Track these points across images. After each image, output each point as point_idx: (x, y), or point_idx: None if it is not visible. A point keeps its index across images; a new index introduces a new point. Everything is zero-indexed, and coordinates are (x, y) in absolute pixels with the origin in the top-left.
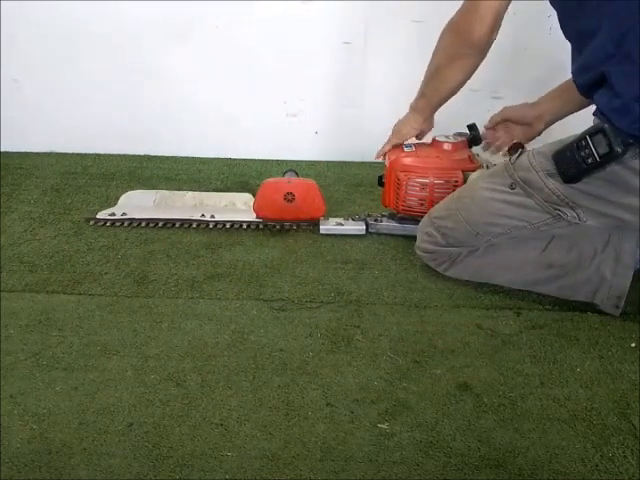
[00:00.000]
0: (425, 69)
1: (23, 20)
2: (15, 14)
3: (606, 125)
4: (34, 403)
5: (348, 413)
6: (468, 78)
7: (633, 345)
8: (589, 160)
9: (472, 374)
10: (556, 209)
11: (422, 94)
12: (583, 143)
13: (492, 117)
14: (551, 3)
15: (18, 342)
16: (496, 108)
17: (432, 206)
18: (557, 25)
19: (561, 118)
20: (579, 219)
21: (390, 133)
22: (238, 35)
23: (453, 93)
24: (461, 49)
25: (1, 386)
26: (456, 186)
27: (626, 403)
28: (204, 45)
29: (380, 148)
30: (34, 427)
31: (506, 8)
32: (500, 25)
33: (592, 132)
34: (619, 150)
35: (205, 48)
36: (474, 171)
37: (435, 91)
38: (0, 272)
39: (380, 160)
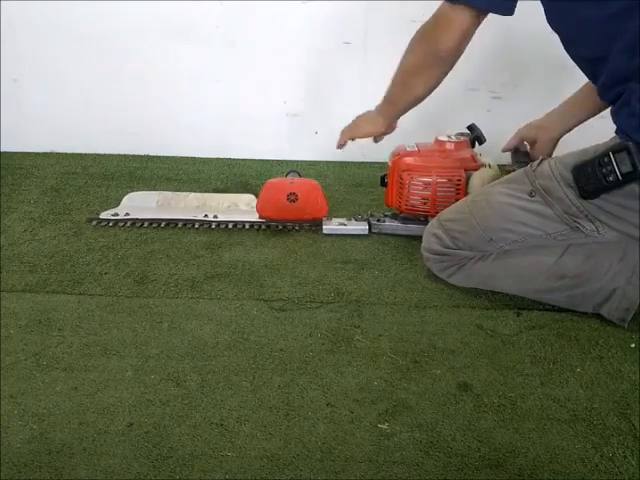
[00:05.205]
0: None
1: (23, 20)
2: (15, 14)
3: (630, 143)
4: (34, 403)
5: (348, 413)
6: (433, 88)
7: (633, 345)
8: (610, 178)
9: (472, 374)
10: (575, 221)
11: (388, 99)
12: (605, 160)
13: (510, 140)
14: (552, 28)
15: (18, 342)
16: (496, 108)
17: (435, 205)
18: None
19: (572, 129)
20: (597, 232)
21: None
22: (238, 35)
23: (418, 101)
24: (428, 59)
25: (1, 386)
26: (459, 185)
27: (626, 403)
28: (204, 45)
29: (339, 139)
30: (34, 427)
31: (476, 26)
32: (469, 41)
33: (615, 149)
34: None
35: (205, 48)
36: (477, 170)
37: (400, 98)
38: (0, 272)
39: (340, 151)
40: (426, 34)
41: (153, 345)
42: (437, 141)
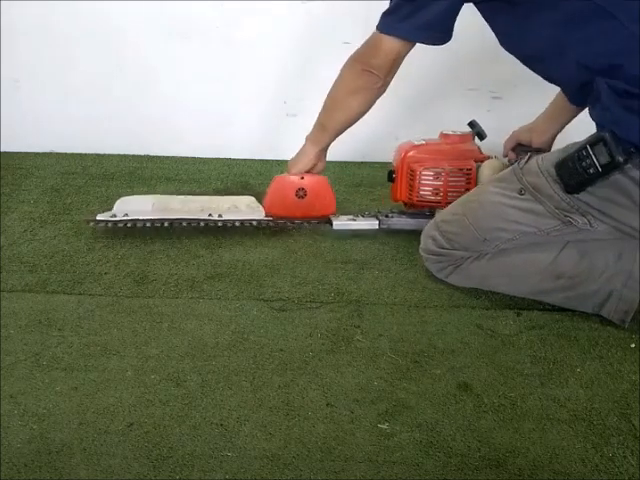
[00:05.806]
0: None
1: (23, 20)
2: (15, 14)
3: (607, 134)
4: (34, 403)
5: (348, 413)
6: (365, 111)
7: (633, 346)
8: (591, 170)
9: (472, 374)
10: (566, 216)
11: (319, 124)
12: (584, 153)
13: (505, 144)
14: (510, 53)
15: (18, 342)
16: (495, 107)
17: (447, 195)
18: None
19: (561, 130)
20: (590, 225)
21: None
22: (238, 35)
23: (349, 124)
24: (360, 81)
25: (1, 386)
26: (469, 174)
27: (626, 403)
28: (204, 45)
29: None
30: (34, 427)
31: (407, 51)
32: (398, 67)
33: (593, 142)
34: (620, 159)
35: (205, 48)
36: (484, 161)
37: (332, 121)
38: (0, 272)
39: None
40: (358, 58)
41: (153, 345)
42: (442, 134)
